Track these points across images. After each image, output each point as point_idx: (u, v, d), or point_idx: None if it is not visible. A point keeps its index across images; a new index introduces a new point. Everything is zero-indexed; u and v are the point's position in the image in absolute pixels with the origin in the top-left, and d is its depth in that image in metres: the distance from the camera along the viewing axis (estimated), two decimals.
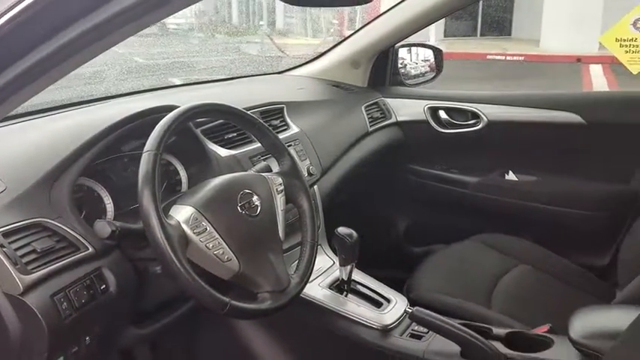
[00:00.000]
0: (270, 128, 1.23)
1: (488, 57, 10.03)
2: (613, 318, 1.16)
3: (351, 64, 2.02)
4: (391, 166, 2.06)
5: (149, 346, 1.52)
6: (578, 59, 9.61)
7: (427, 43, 2.24)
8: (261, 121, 1.23)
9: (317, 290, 1.41)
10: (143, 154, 0.98)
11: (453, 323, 1.25)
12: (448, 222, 2.02)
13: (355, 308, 1.38)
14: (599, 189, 1.84)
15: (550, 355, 1.21)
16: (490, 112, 1.93)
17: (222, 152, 1.35)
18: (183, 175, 1.33)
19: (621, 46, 1.68)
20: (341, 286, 1.42)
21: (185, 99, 1.23)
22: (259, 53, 8.11)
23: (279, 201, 1.16)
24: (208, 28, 9.49)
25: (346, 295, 1.41)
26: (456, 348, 1.26)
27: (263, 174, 1.18)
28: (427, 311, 1.28)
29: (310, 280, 1.31)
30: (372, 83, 2.08)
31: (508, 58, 10.18)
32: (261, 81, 2.04)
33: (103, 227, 0.98)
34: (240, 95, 1.67)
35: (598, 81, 8.06)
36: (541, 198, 1.91)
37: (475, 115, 1.96)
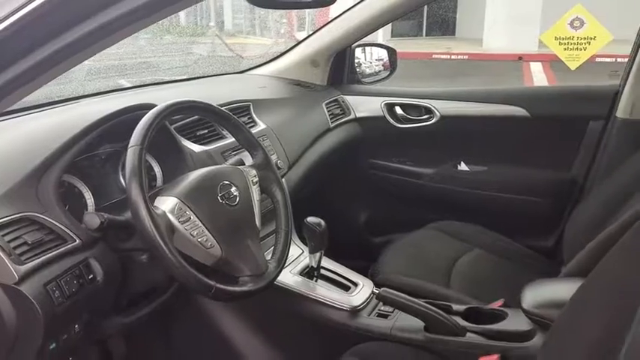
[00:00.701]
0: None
1: (434, 56, 10.31)
2: (560, 289, 1.29)
3: (311, 63, 2.11)
4: (351, 160, 2.16)
5: (124, 338, 1.56)
6: (520, 57, 10.01)
7: (380, 42, 2.34)
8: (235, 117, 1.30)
9: (288, 277, 1.49)
10: (129, 149, 1.03)
11: (417, 301, 1.36)
12: (406, 212, 2.13)
13: (325, 292, 1.47)
14: (544, 177, 1.99)
15: (505, 326, 1.33)
16: (442, 107, 2.06)
17: (196, 148, 1.41)
18: (157, 170, 1.38)
19: (560, 44, 1.84)
20: (311, 273, 1.51)
21: (155, 98, 1.29)
22: (210, 53, 8.09)
23: (255, 192, 1.23)
24: (156, 28, 9.38)
25: (316, 281, 1.49)
26: (420, 324, 1.36)
27: (239, 167, 1.25)
28: (393, 291, 1.38)
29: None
30: (331, 81, 2.17)
31: (453, 57, 10.49)
32: (224, 80, 2.09)
33: (92, 218, 1.04)
34: (208, 94, 1.72)
35: (538, 77, 8.43)
36: (491, 186, 2.05)
37: (429, 111, 2.08)
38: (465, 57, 10.44)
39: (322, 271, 1.52)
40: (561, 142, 1.95)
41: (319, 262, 1.49)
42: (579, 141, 1.92)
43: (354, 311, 1.43)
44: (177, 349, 1.63)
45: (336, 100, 2.09)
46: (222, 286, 1.05)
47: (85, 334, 1.11)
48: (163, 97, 1.22)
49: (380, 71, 2.32)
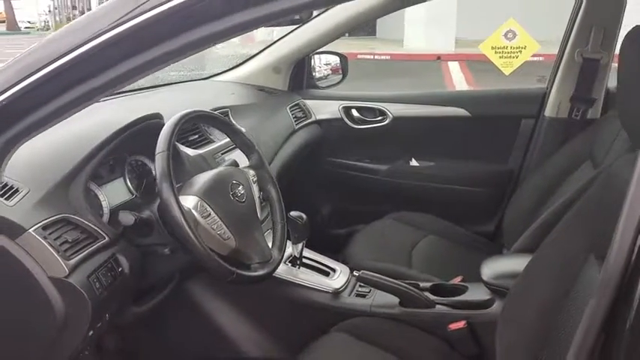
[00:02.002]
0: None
1: (359, 56, 10.64)
2: (513, 263, 1.53)
3: (273, 70, 2.26)
4: (314, 159, 2.33)
5: (116, 333, 1.66)
6: (438, 57, 10.54)
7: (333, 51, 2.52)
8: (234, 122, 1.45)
9: None
10: (157, 155, 1.17)
11: (392, 280, 1.56)
12: (364, 205, 2.33)
13: (309, 277, 1.64)
14: (484, 169, 2.25)
15: (468, 297, 1.56)
16: (394, 109, 2.27)
17: (191, 152, 1.54)
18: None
19: (496, 52, 2.09)
20: (294, 261, 1.67)
21: (138, 107, 1.42)
22: None
23: (255, 190, 1.39)
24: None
25: (299, 268, 1.66)
26: (395, 300, 1.56)
27: (240, 168, 1.40)
28: (371, 273, 1.58)
29: None
30: (292, 87, 2.34)
31: (376, 57, 10.86)
32: (194, 87, 2.21)
33: (127, 216, 1.17)
34: (191, 101, 1.84)
35: (457, 77, 8.92)
36: (438, 179, 2.28)
37: (382, 113, 2.29)
38: (387, 57, 10.85)
39: (304, 260, 1.70)
40: (498, 138, 2.21)
41: (301, 251, 1.66)
42: (514, 137, 2.19)
43: (336, 293, 1.61)
44: (167, 340, 1.74)
45: (297, 104, 2.26)
46: (241, 272, 1.20)
47: (111, 323, 1.23)
48: (146, 106, 1.36)
49: (329, 75, 2.50)
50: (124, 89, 1.58)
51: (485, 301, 1.51)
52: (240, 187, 1.32)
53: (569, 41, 1.97)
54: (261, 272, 1.27)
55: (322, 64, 2.49)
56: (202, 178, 1.27)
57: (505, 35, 2.06)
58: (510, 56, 2.07)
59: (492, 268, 1.53)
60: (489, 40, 2.09)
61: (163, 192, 1.13)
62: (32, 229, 1.05)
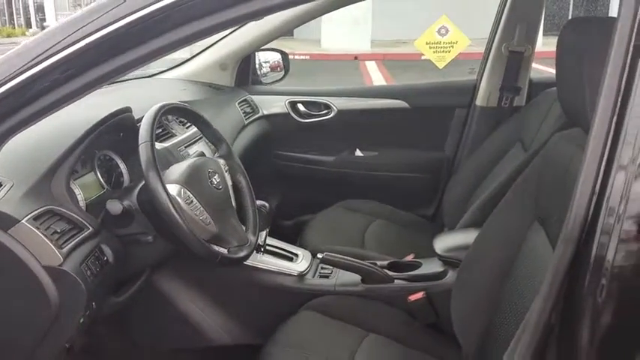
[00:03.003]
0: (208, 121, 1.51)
1: None
2: (463, 236, 1.68)
3: (220, 67, 2.31)
4: (262, 153, 2.40)
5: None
6: (355, 57, 10.84)
7: (275, 48, 2.60)
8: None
9: None
10: (140, 145, 1.21)
11: (353, 259, 1.67)
12: (313, 195, 2.42)
13: (274, 262, 1.71)
14: (423, 156, 2.41)
15: (423, 270, 1.69)
16: (338, 103, 2.39)
17: (157, 145, 1.57)
18: (123, 167, 1.52)
19: (430, 47, 2.26)
20: (258, 249, 1.74)
21: (101, 103, 1.46)
22: None
23: (227, 178, 1.45)
24: None
25: (263, 255, 1.74)
26: (357, 278, 1.67)
27: (213, 158, 1.46)
28: (333, 254, 1.68)
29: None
30: (239, 83, 2.39)
31: (297, 57, 10.98)
32: (142, 85, 2.21)
33: (115, 205, 1.20)
34: (147, 98, 1.86)
35: (375, 75, 9.23)
36: (382, 167, 2.42)
37: (327, 106, 2.40)
38: (307, 57, 11.01)
39: (267, 247, 1.77)
40: (435, 127, 2.38)
41: (265, 239, 1.73)
42: (449, 126, 2.37)
43: (301, 276, 1.70)
44: (138, 335, 1.75)
45: (245, 100, 2.32)
46: (226, 254, 1.27)
47: (96, 312, 1.26)
48: (102, 103, 1.41)
49: (268, 73, 2.58)
50: None
51: (440, 273, 1.65)
52: (216, 175, 1.38)
53: (496, 36, 2.16)
54: (241, 254, 1.34)
55: (262, 62, 2.56)
56: (181, 168, 1.32)
57: (438, 31, 2.22)
58: (443, 51, 2.24)
59: (444, 242, 1.68)
60: (424, 36, 2.25)
61: (150, 180, 1.17)
62: (25, 219, 1.07)
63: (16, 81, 0.90)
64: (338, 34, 11.48)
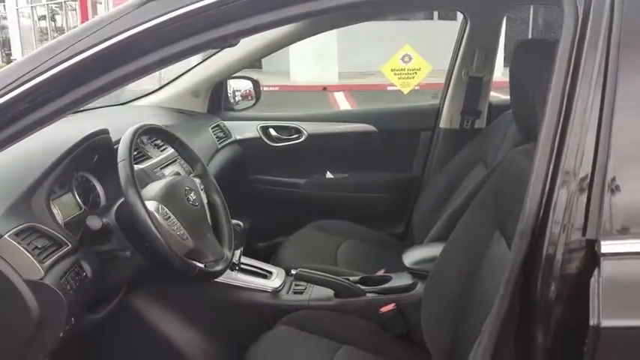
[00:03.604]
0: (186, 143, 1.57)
1: None
2: (430, 250, 1.76)
3: (192, 94, 2.37)
4: (235, 177, 2.45)
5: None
6: (324, 88, 11.04)
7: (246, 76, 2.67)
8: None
9: None
10: (119, 163, 1.26)
11: (327, 275, 1.73)
12: (285, 217, 2.47)
13: (249, 280, 1.75)
14: (391, 177, 2.50)
15: (394, 284, 1.76)
16: (309, 127, 2.47)
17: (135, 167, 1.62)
18: (99, 189, 1.56)
19: (395, 74, 2.37)
20: (232, 267, 1.78)
21: (79, 127, 1.50)
22: None
23: (203, 196, 1.51)
24: None
25: (237, 273, 1.78)
26: (330, 292, 1.73)
27: (189, 177, 1.51)
28: (307, 270, 1.73)
29: None
30: (211, 109, 2.46)
31: (265, 88, 11.06)
32: (114, 111, 2.25)
33: (94, 220, 1.24)
34: (121, 123, 1.90)
35: (343, 105, 9.41)
36: (352, 189, 2.50)
37: (297, 131, 2.48)
38: (276, 88, 11.15)
39: (242, 266, 1.81)
40: (402, 149, 2.48)
41: (240, 257, 1.78)
42: (415, 148, 2.47)
43: (275, 292, 1.74)
44: (109, 356, 1.76)
45: (218, 125, 2.39)
46: (203, 268, 1.31)
47: (74, 329, 1.28)
48: (79, 126, 1.47)
49: (239, 101, 2.66)
50: None
51: (409, 285, 1.72)
52: (192, 192, 1.43)
53: (457, 62, 2.29)
54: (217, 268, 1.39)
55: (234, 90, 2.63)
56: (158, 185, 1.37)
57: (402, 59, 2.34)
58: (408, 77, 2.34)
59: (412, 255, 1.75)
60: (389, 64, 2.36)
61: (129, 196, 1.22)
62: (7, 234, 1.10)
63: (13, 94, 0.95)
64: (306, 66, 11.68)
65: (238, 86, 2.61)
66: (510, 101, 1.30)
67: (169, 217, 1.31)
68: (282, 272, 1.83)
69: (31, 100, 0.95)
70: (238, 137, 2.45)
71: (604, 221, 0.80)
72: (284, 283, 1.78)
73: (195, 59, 2.44)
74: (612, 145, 0.80)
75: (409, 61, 2.33)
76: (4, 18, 18.01)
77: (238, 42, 1.12)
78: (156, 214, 1.29)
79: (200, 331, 1.75)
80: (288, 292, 1.76)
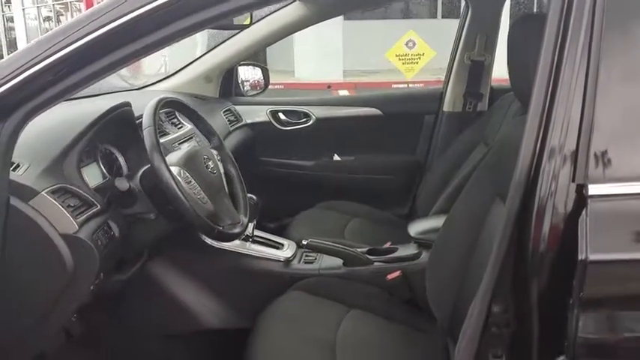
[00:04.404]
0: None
1: None
2: (434, 221, 1.84)
3: (205, 79, 2.46)
4: (245, 159, 2.54)
5: (78, 319, 1.75)
6: (329, 86, 11.11)
7: (255, 63, 2.77)
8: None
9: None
10: (144, 130, 1.35)
11: (336, 244, 1.82)
12: (294, 199, 2.55)
13: (262, 250, 1.85)
14: (397, 159, 2.58)
15: (399, 253, 1.85)
16: (317, 111, 2.56)
17: None
18: (121, 160, 1.65)
19: (399, 59, 2.46)
20: (246, 239, 1.88)
21: (104, 102, 1.60)
22: None
23: (220, 166, 1.60)
24: None
25: (251, 244, 1.87)
26: (339, 261, 1.82)
27: (207, 148, 1.60)
28: (317, 240, 1.83)
29: None
30: (222, 94, 2.55)
31: (270, 86, 11.17)
32: (134, 94, 2.34)
33: (122, 182, 1.33)
34: (143, 102, 2.00)
35: None
36: (359, 171, 2.59)
37: (306, 115, 2.57)
38: (281, 86, 11.24)
39: (255, 238, 1.90)
40: (406, 133, 2.56)
41: (253, 230, 1.87)
42: (419, 131, 2.55)
43: (287, 261, 1.83)
44: (131, 321, 1.85)
45: (229, 109, 2.48)
46: (222, 230, 1.40)
47: (102, 285, 1.37)
48: (102, 103, 1.57)
49: (248, 90, 2.75)
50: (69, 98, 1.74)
51: (415, 254, 1.81)
52: (210, 161, 1.52)
53: (459, 46, 2.38)
54: (235, 231, 1.48)
55: (242, 80, 2.72)
56: (179, 153, 1.46)
57: (406, 44, 2.43)
58: (412, 62, 2.44)
59: (418, 226, 1.84)
60: (394, 49, 2.45)
61: (155, 161, 1.31)
62: (44, 191, 1.20)
63: (38, 67, 1.05)
64: (311, 65, 11.77)
65: (247, 76, 2.70)
66: (508, 71, 1.38)
67: (190, 181, 1.40)
68: (294, 244, 1.92)
69: (56, 72, 1.04)
70: (249, 121, 2.54)
71: (591, 168, 0.89)
72: (295, 254, 1.87)
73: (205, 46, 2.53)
74: (599, 92, 0.88)
75: (413, 47, 2.43)
76: (11, 20, 18.17)
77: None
78: (178, 178, 1.38)
79: (215, 298, 1.83)
80: (299, 262, 1.85)
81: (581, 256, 0.84)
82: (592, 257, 0.84)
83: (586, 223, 0.86)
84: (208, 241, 1.81)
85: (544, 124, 0.90)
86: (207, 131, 1.66)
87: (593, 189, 0.88)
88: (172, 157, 1.44)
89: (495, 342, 0.97)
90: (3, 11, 18.69)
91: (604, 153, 0.89)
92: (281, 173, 2.59)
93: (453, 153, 2.32)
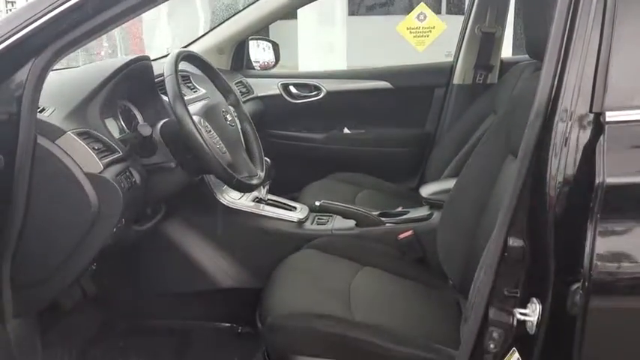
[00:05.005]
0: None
1: None
2: (445, 183, 1.87)
3: (217, 51, 2.48)
4: (257, 131, 2.56)
5: (91, 278, 1.77)
6: None
7: (266, 37, 2.79)
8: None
9: (245, 203, 1.87)
10: (166, 79, 1.37)
11: (349, 206, 1.85)
12: (304, 171, 2.57)
13: (276, 211, 1.88)
14: (406, 132, 2.60)
15: (412, 215, 1.87)
16: (328, 85, 2.58)
17: None
18: (139, 117, 1.68)
19: (411, 32, 2.47)
20: (260, 201, 1.90)
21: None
22: None
23: (237, 122, 1.62)
24: None
25: (265, 205, 1.89)
26: (352, 222, 1.84)
27: (225, 104, 1.63)
28: (330, 201, 1.85)
29: (237, 198, 1.79)
30: (234, 67, 2.57)
31: None
32: None
33: (145, 127, 1.35)
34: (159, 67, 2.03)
35: None
36: (368, 143, 2.60)
37: (317, 88, 2.58)
38: None
39: (268, 201, 1.93)
40: (416, 106, 2.58)
41: (266, 192, 1.89)
42: (429, 104, 2.57)
43: (300, 222, 1.86)
44: (145, 279, 1.88)
45: (240, 82, 2.50)
46: (240, 179, 1.43)
47: (122, 232, 1.40)
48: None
49: (269, 60, 2.76)
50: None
51: (426, 215, 1.83)
52: (228, 114, 1.55)
53: (470, 19, 2.39)
54: (253, 182, 1.50)
55: (252, 61, 2.74)
56: (198, 105, 1.49)
57: (417, 17, 2.44)
58: (422, 35, 2.44)
59: (429, 188, 1.87)
60: (405, 22, 2.46)
61: (177, 109, 1.33)
62: (70, 131, 1.22)
63: (65, 6, 1.08)
64: (315, 60, 11.78)
65: (257, 57, 2.71)
66: (523, 25, 1.40)
67: (210, 130, 1.43)
68: (306, 208, 1.95)
69: (82, 12, 1.07)
70: (260, 94, 2.56)
71: (608, 97, 0.91)
72: (307, 216, 1.90)
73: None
74: (616, 23, 0.90)
75: (424, 20, 2.43)
76: None
77: None
78: (199, 126, 1.40)
79: (229, 257, 1.87)
80: (311, 224, 1.88)
81: (598, 180, 0.86)
82: (609, 181, 0.86)
83: (604, 148, 0.88)
84: (223, 201, 1.84)
85: (562, 57, 0.92)
86: (224, 89, 1.69)
87: (611, 116, 0.90)
88: (192, 108, 1.46)
89: (511, 277, 0.99)
90: (7, 10, 18.73)
91: (621, 82, 0.92)
92: (291, 146, 2.60)
93: (462, 125, 2.34)
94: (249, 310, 1.51)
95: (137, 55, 1.59)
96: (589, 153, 0.89)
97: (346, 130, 2.61)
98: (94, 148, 1.26)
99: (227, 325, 1.91)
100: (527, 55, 1.54)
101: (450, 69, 2.52)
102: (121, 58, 1.56)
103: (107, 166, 1.26)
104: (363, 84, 2.59)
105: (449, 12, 12.87)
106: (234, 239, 1.86)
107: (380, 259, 1.69)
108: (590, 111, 0.91)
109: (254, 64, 2.71)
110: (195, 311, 1.90)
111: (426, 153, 2.55)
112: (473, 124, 2.27)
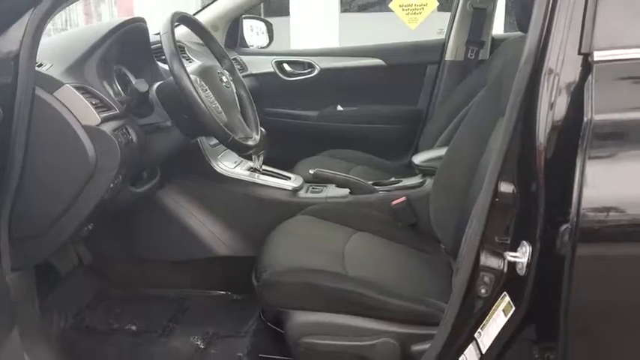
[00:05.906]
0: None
1: None
2: (437, 151, 1.90)
3: (211, 28, 2.48)
4: None
5: (86, 245, 1.79)
6: None
7: (260, 17, 2.80)
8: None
9: (240, 171, 1.89)
10: (162, 36, 1.38)
11: (343, 174, 1.87)
12: (298, 148, 2.58)
13: (271, 180, 1.89)
14: (399, 110, 2.62)
15: (405, 183, 1.89)
16: (321, 62, 2.60)
17: (166, 66, 1.75)
18: (135, 81, 1.68)
19: (403, 9, 2.49)
20: (254, 170, 1.92)
21: None
22: None
23: (232, 86, 1.64)
24: None
25: (260, 175, 1.91)
26: (346, 191, 1.86)
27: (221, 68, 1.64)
28: (325, 170, 1.87)
29: (232, 167, 1.80)
30: (228, 44, 2.59)
31: None
32: None
33: (142, 84, 1.36)
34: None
35: None
36: (361, 120, 2.62)
37: (310, 65, 2.60)
38: None
39: (263, 171, 1.94)
40: (409, 83, 2.60)
41: (261, 162, 1.91)
42: (421, 81, 2.59)
43: (294, 190, 1.88)
44: (138, 248, 1.89)
45: (235, 59, 2.50)
46: (235, 139, 1.44)
47: (119, 189, 1.41)
48: None
49: (262, 39, 2.79)
50: None
51: (419, 183, 1.85)
52: (224, 76, 1.56)
53: None
54: (248, 143, 1.52)
55: (257, 29, 2.76)
56: (195, 64, 1.50)
57: None
58: (415, 12, 2.46)
59: (422, 155, 1.90)
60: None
61: (174, 66, 1.34)
62: (68, 84, 1.23)
63: None
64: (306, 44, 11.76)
65: (251, 41, 2.75)
66: (512, 6, 1.42)
67: (206, 89, 1.44)
68: (300, 178, 1.96)
69: None
70: (254, 71, 2.58)
71: (596, 37, 0.94)
72: (302, 185, 1.92)
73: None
74: None
75: None
76: None
77: None
78: (196, 84, 1.41)
79: (224, 225, 1.88)
80: (306, 192, 1.90)
81: (586, 118, 0.88)
82: (597, 118, 0.88)
83: (592, 87, 0.90)
84: (218, 169, 1.86)
85: (551, 2, 0.95)
86: (219, 53, 1.70)
87: (599, 56, 0.93)
88: (188, 68, 1.48)
89: (501, 223, 1.02)
90: None
91: (609, 23, 0.94)
92: (285, 123, 2.62)
93: (454, 100, 2.35)
94: (244, 278, 1.52)
95: (133, 17, 1.60)
96: (578, 94, 0.92)
97: (339, 108, 2.63)
98: (91, 103, 1.27)
99: (222, 292, 1.93)
100: (518, 32, 1.56)
101: (442, 46, 2.54)
102: (117, 19, 1.57)
103: (105, 120, 1.27)
104: (356, 61, 2.61)
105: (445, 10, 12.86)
106: (229, 207, 1.88)
107: (374, 224, 1.71)
108: (579, 53, 0.93)
109: (248, 46, 2.73)
110: (190, 279, 1.92)
111: (418, 129, 2.57)
112: (465, 100, 2.28)
